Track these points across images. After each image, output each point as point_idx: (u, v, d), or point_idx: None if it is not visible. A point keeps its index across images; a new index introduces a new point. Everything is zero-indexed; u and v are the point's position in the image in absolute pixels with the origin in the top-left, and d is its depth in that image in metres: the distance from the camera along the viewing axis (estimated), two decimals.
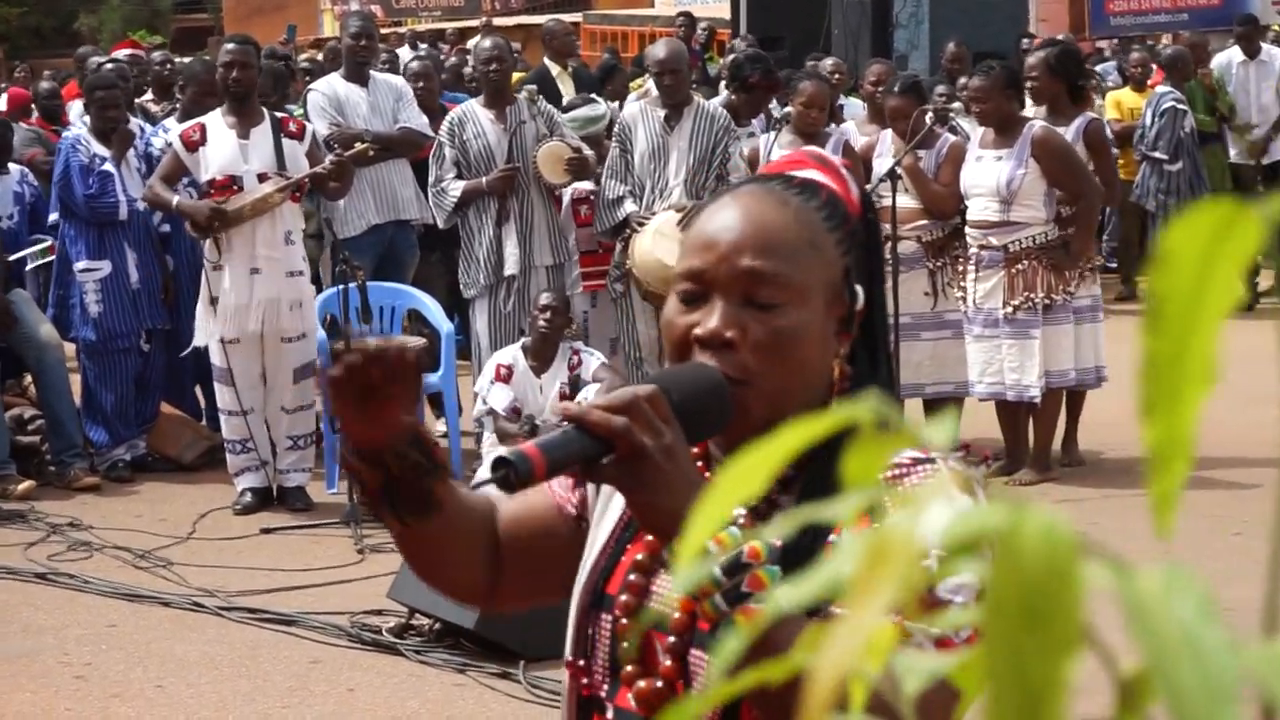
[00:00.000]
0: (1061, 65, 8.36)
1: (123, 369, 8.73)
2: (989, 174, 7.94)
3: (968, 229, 8.13)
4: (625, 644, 1.76)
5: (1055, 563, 0.53)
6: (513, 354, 7.85)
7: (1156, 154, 12.66)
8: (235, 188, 7.86)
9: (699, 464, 1.70)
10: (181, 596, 6.70)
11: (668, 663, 1.72)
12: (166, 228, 8.93)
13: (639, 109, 8.60)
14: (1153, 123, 12.71)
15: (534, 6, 30.71)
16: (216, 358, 7.99)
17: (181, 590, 6.79)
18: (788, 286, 1.71)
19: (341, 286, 7.66)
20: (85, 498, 8.29)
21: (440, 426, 9.20)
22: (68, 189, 8.60)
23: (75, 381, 8.81)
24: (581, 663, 1.81)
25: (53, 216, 8.95)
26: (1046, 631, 0.53)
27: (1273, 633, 0.57)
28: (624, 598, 1.77)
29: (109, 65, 10.49)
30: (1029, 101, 8.73)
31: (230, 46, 8.18)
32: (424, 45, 19.92)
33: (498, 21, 24.93)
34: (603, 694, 1.79)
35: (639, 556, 1.79)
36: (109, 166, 8.60)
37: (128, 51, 15.24)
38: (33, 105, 13.08)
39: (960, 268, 8.20)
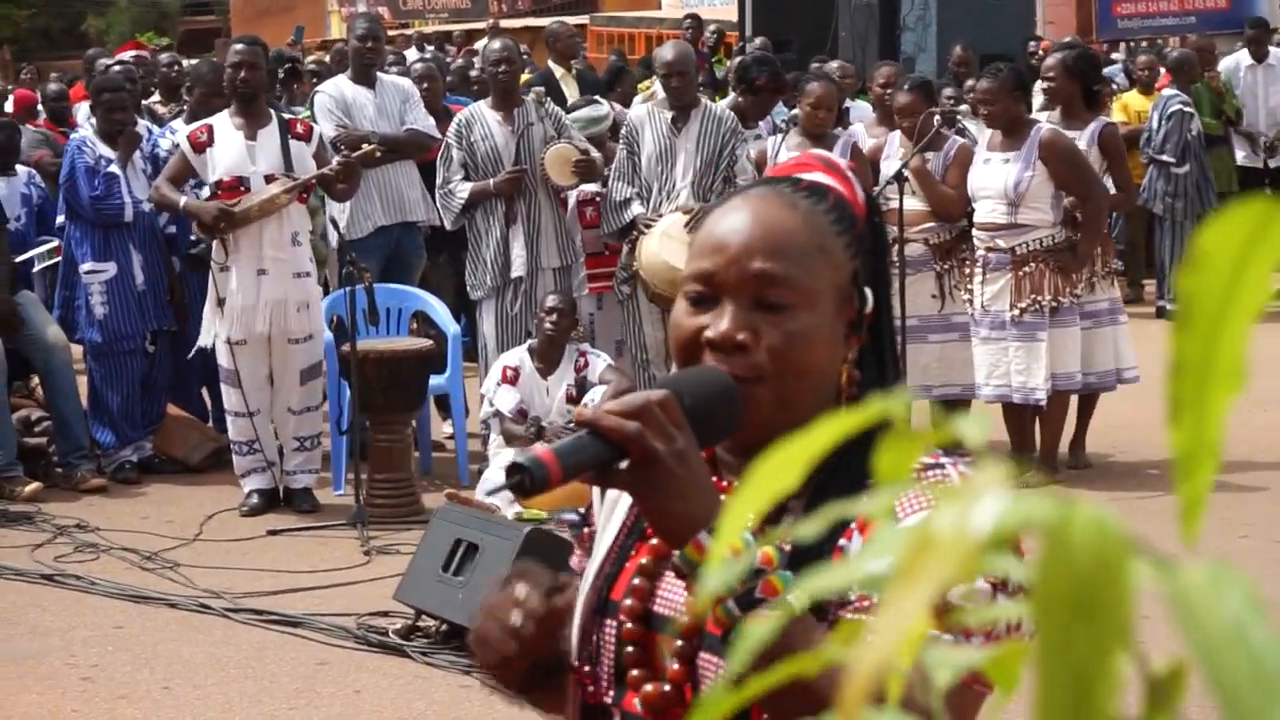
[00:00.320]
0: (1079, 67, 8.36)
1: (128, 370, 8.73)
2: (996, 176, 7.93)
3: (975, 231, 8.12)
4: (630, 649, 1.76)
5: (1106, 556, 0.53)
6: (519, 356, 7.85)
7: (1164, 157, 12.65)
8: (243, 189, 7.86)
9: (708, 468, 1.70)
10: (188, 598, 6.70)
11: (675, 667, 1.72)
12: (173, 229, 8.93)
13: (646, 111, 8.59)
14: (1160, 126, 12.70)
15: (541, 8, 30.72)
16: (223, 359, 7.99)
17: (188, 592, 6.78)
18: (797, 289, 1.71)
19: (348, 288, 7.66)
20: (92, 499, 8.29)
21: (447, 428, 9.20)
22: (73, 191, 8.61)
23: (82, 383, 8.82)
24: (587, 668, 1.81)
25: (60, 218, 8.97)
26: (1097, 625, 0.53)
27: None
28: (628, 602, 1.77)
29: (116, 68, 10.51)
30: (1041, 104, 8.73)
31: (239, 47, 8.19)
32: (431, 47, 19.95)
33: (505, 23, 24.93)
34: (608, 700, 1.79)
35: (643, 561, 1.79)
36: (114, 168, 8.61)
37: (132, 53, 15.25)
38: (39, 107, 13.10)
39: (967, 270, 8.19)
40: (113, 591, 6.80)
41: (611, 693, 1.78)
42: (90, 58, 14.74)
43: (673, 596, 1.75)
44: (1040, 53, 14.26)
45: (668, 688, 1.72)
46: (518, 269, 8.36)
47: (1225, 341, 0.54)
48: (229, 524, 7.85)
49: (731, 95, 9.87)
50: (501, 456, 7.70)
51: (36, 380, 8.91)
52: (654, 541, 1.76)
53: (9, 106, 13.44)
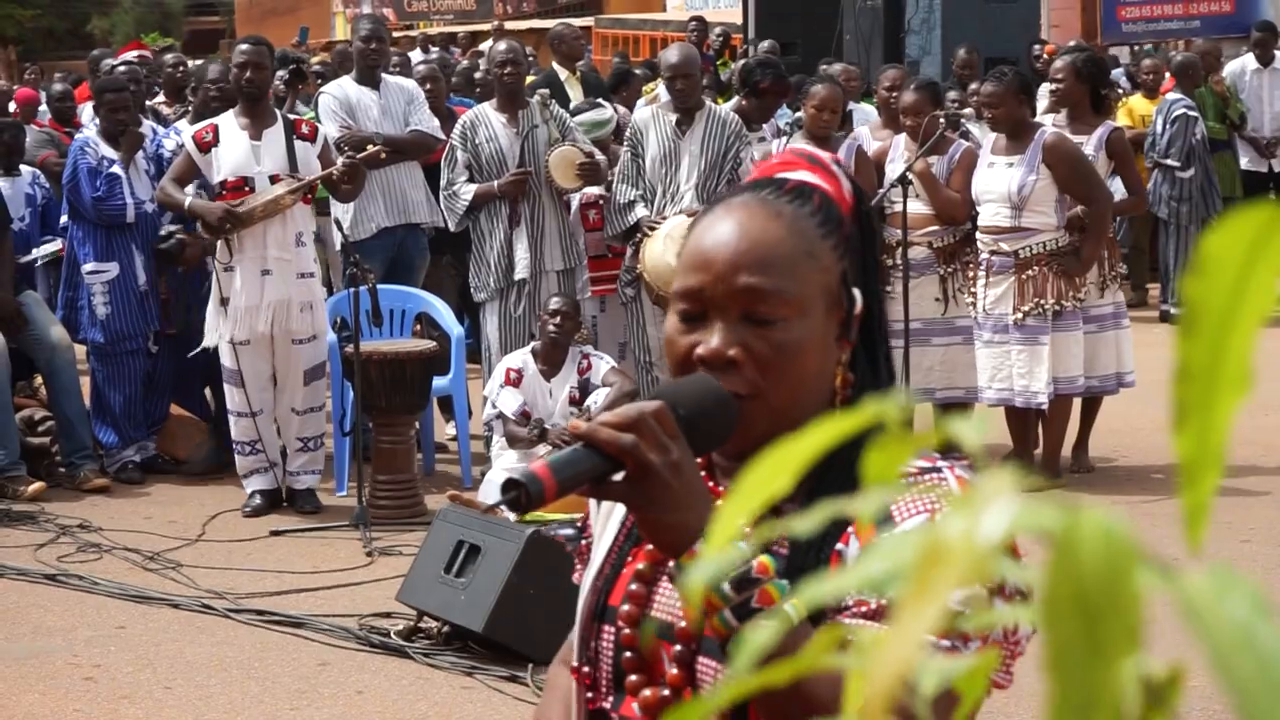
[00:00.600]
0: (1088, 70, 8.35)
1: (131, 371, 8.73)
2: (1000, 180, 7.93)
3: (979, 235, 8.11)
4: (628, 654, 1.75)
5: (1114, 562, 0.53)
6: (522, 358, 7.85)
7: (1168, 161, 12.64)
8: (247, 189, 7.87)
9: (703, 474, 1.70)
10: (191, 598, 6.70)
11: (674, 671, 1.72)
12: (174, 229, 8.92)
13: (651, 113, 8.59)
14: (1164, 130, 12.69)
15: (546, 10, 30.73)
16: (226, 359, 7.99)
17: (191, 592, 6.79)
18: (787, 300, 1.70)
19: (352, 289, 7.66)
20: (95, 499, 8.30)
21: (450, 430, 9.21)
22: (75, 191, 8.61)
23: (85, 383, 8.82)
24: (586, 669, 1.81)
25: (64, 219, 8.97)
26: (1106, 631, 0.53)
27: None
28: (626, 608, 1.77)
29: (120, 68, 10.50)
30: (1046, 107, 8.71)
31: (244, 47, 8.19)
32: (435, 49, 19.95)
33: (509, 25, 24.95)
34: (607, 705, 1.79)
35: (640, 566, 1.79)
36: (117, 169, 8.61)
37: (135, 53, 15.26)
38: (41, 105, 13.10)
39: (971, 273, 8.19)
40: (115, 592, 6.80)
41: (610, 698, 1.78)
42: (95, 58, 14.73)
43: (670, 601, 1.75)
44: (1045, 56, 14.26)
45: (666, 692, 1.72)
46: (521, 271, 8.36)
47: (1231, 347, 0.54)
48: (232, 524, 7.85)
49: (736, 98, 9.87)
50: (504, 458, 7.70)
51: (40, 380, 8.91)
52: (650, 547, 1.76)
53: (11, 106, 13.45)
